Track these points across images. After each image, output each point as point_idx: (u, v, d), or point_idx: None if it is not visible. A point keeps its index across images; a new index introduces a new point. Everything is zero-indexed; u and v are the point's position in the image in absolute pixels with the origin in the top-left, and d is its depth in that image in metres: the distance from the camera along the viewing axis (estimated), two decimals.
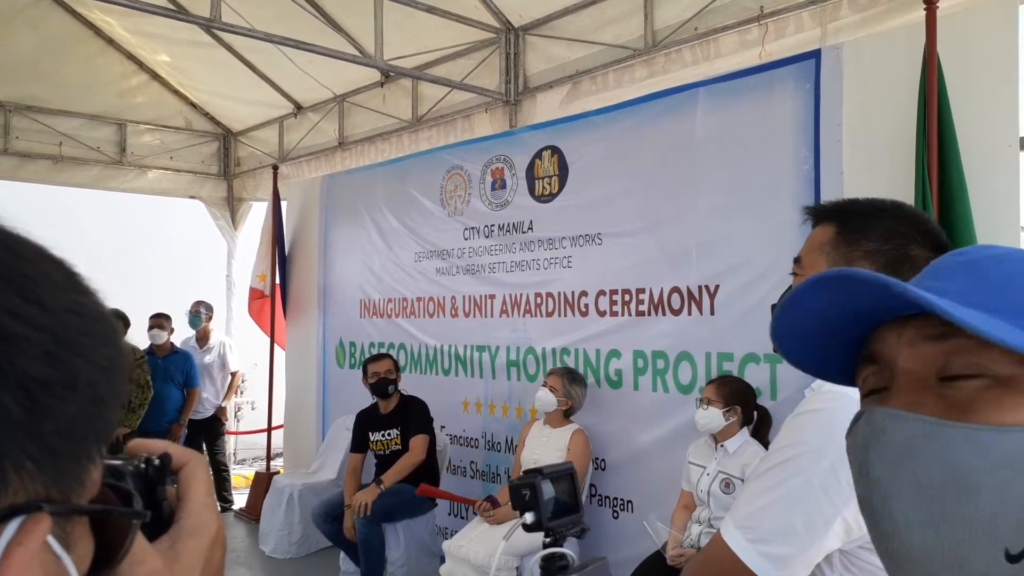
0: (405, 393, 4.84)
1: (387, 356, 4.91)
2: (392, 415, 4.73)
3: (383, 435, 4.71)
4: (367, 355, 5.77)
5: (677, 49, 4.52)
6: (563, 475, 1.16)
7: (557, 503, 1.16)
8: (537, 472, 1.13)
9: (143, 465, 0.54)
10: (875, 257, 1.15)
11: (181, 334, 6.87)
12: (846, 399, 0.92)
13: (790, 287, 1.28)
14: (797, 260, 1.26)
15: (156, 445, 0.56)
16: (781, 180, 3.59)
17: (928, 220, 1.23)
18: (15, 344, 0.39)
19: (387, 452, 4.71)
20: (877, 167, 3.31)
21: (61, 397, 0.41)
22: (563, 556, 1.19)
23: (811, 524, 1.01)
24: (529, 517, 1.13)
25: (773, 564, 1.02)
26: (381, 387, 4.71)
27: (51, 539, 0.41)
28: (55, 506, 0.41)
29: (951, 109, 3.05)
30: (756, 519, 1.05)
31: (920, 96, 3.09)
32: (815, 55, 3.54)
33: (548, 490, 1.13)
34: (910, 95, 3.14)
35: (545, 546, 1.18)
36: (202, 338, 6.95)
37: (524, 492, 1.12)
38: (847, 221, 1.21)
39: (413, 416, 4.69)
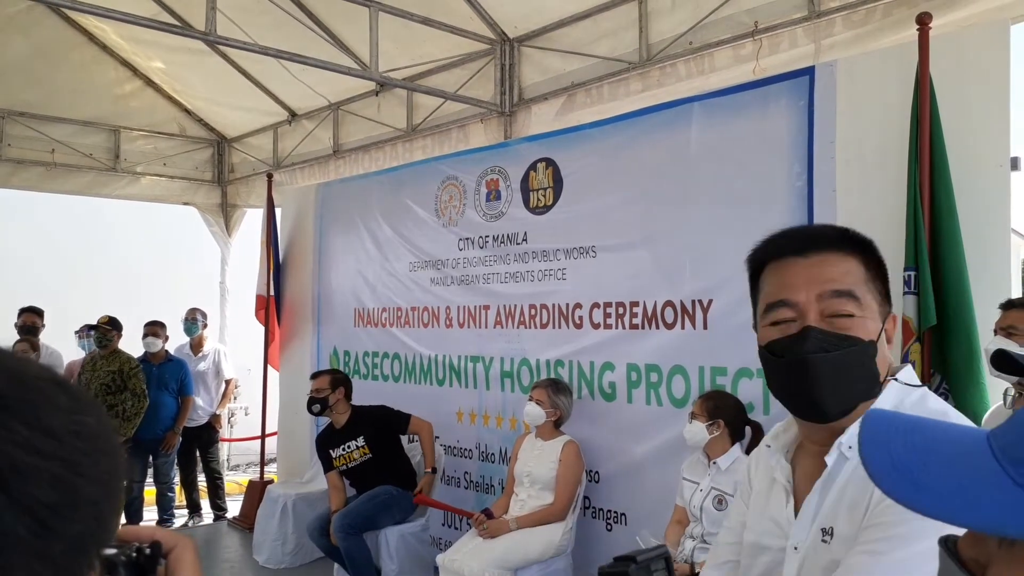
0: (355, 405, 4.86)
1: (328, 372, 4.91)
2: (347, 428, 4.75)
3: (343, 449, 4.73)
4: (362, 364, 5.79)
5: (672, 63, 4.55)
6: (657, 560, 1.08)
7: None
8: (630, 560, 1.05)
9: (134, 554, 0.58)
10: (887, 291, 1.17)
11: (175, 341, 6.86)
12: None
13: (837, 334, 1.11)
14: (850, 296, 1.11)
15: (145, 532, 0.60)
16: (774, 196, 3.61)
17: None
18: (25, 474, 0.41)
19: (351, 465, 4.73)
20: (869, 184, 3.33)
21: (67, 518, 0.43)
22: None
23: None
24: None
25: None
26: (309, 405, 4.76)
27: None
28: None
29: (943, 128, 3.07)
30: None
31: (912, 114, 3.11)
32: (809, 72, 3.56)
33: None
34: (903, 113, 3.16)
35: None
36: (196, 345, 6.94)
37: None
38: (866, 253, 1.15)
39: (378, 421, 4.72)
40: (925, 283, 2.95)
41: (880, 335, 1.12)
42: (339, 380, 4.86)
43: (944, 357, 3.01)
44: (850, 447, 1.09)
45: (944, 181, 3.04)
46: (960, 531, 0.51)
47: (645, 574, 1.02)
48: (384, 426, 4.72)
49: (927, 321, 2.95)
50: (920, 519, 0.69)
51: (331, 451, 4.76)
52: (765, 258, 1.19)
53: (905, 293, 3.02)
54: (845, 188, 3.39)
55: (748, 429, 3.42)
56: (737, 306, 3.70)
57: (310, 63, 4.91)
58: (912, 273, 3.00)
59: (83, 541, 0.44)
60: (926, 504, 0.48)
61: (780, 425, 1.29)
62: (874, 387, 1.12)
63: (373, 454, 4.68)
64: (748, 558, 1.25)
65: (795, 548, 1.16)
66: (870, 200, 3.31)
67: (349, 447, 4.71)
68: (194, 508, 6.82)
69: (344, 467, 4.74)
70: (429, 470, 4.68)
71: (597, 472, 4.27)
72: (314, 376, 4.89)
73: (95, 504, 0.45)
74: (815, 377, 1.08)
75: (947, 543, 0.52)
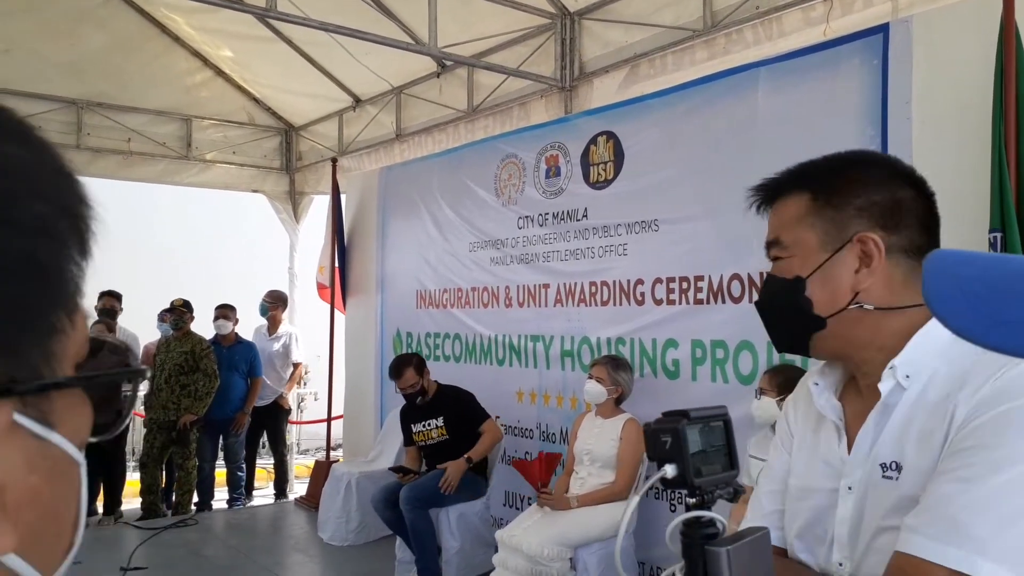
0: (441, 383, 4.84)
1: (406, 364, 4.74)
2: (430, 405, 4.74)
3: (424, 425, 4.74)
4: (424, 345, 5.78)
5: (738, 29, 4.38)
6: (715, 419, 0.91)
7: (706, 455, 0.91)
8: (682, 415, 0.89)
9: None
10: (869, 211, 1.08)
11: (248, 324, 7.04)
12: None
13: (768, 275, 1.16)
14: (775, 243, 1.14)
15: None
16: None
17: (898, 160, 1.17)
18: None
19: (428, 443, 4.73)
20: (948, 146, 3.13)
21: None
22: (712, 522, 0.89)
23: None
24: (670, 470, 0.87)
25: None
26: (411, 400, 4.75)
27: (23, 420, 0.38)
28: (19, 386, 0.37)
29: None
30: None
31: (997, 71, 2.91)
32: (883, 29, 3.37)
33: (695, 439, 0.91)
34: (985, 70, 2.95)
35: (689, 508, 0.91)
36: (272, 326, 7.10)
37: (664, 439, 0.89)
38: (820, 183, 1.11)
39: (460, 408, 4.69)
40: (1013, 245, 2.76)
41: (822, 265, 1.09)
42: (419, 364, 4.78)
43: None
44: (907, 376, 1.03)
45: None
46: None
47: (700, 431, 0.89)
48: (464, 417, 4.69)
49: None
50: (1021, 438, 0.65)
51: (412, 425, 4.79)
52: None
53: None
54: (921, 151, 3.18)
55: None
56: None
57: (369, 39, 4.91)
58: (998, 235, 2.80)
59: (24, 302, 0.37)
60: (1004, 339, 0.42)
61: (825, 363, 1.21)
62: (813, 319, 1.09)
63: (450, 436, 4.66)
64: (795, 502, 1.19)
65: (849, 488, 1.09)
66: (950, 160, 3.11)
67: (429, 425, 4.73)
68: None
69: (423, 444, 4.76)
70: (466, 457, 4.52)
71: None
72: (397, 375, 4.73)
73: (29, 258, 0.37)
74: (763, 318, 1.19)
75: None
